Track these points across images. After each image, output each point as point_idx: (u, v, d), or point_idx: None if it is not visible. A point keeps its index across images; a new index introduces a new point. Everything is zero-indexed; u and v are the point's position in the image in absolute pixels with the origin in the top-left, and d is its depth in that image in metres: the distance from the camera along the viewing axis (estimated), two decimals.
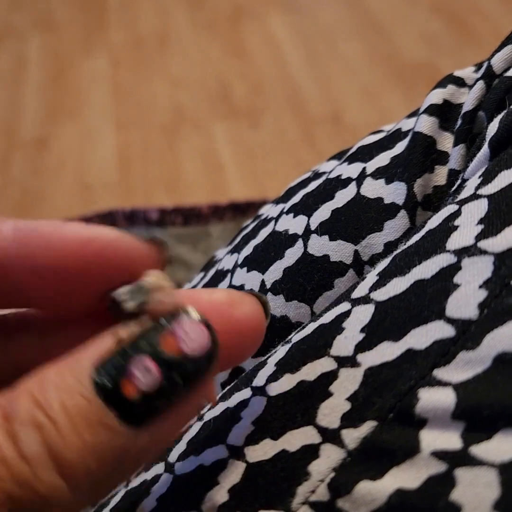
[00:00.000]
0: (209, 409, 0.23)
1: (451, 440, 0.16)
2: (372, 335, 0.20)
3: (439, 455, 0.16)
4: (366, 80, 1.32)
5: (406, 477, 0.16)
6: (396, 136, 0.29)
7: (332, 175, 0.29)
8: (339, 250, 0.27)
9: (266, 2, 1.58)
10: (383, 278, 0.21)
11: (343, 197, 0.28)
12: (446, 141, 0.27)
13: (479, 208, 0.20)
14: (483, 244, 0.19)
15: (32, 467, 0.13)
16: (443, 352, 0.18)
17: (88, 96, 1.38)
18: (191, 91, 1.35)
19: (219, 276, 0.32)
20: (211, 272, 0.33)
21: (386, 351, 0.19)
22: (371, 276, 0.22)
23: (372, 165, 0.28)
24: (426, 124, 0.27)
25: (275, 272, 0.28)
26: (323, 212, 0.28)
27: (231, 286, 0.30)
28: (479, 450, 0.16)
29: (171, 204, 1.04)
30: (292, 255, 0.28)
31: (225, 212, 0.98)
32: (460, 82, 0.28)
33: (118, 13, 1.62)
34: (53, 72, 1.45)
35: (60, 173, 1.20)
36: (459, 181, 0.25)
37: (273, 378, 0.22)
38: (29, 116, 1.33)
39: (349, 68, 1.36)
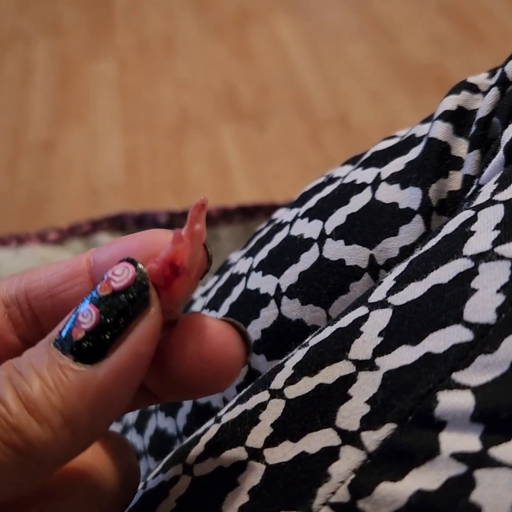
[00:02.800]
0: (227, 412, 0.24)
1: (470, 442, 0.17)
2: (390, 339, 0.20)
3: (459, 457, 0.17)
4: (373, 82, 1.32)
5: (426, 478, 0.17)
6: (410, 141, 0.29)
7: (346, 180, 0.30)
8: (355, 254, 0.27)
9: (272, 4, 1.59)
10: (400, 283, 0.22)
11: (358, 202, 0.28)
12: (460, 147, 0.27)
13: (495, 213, 0.21)
14: (500, 249, 0.19)
15: (9, 412, 0.15)
16: (461, 355, 0.18)
17: (95, 99, 1.38)
18: (198, 94, 1.35)
19: (234, 280, 0.32)
20: (226, 275, 0.34)
21: (405, 355, 0.19)
22: (388, 281, 0.23)
23: (387, 171, 0.28)
24: (440, 130, 0.27)
25: (290, 276, 0.28)
26: (339, 217, 0.28)
27: (246, 289, 0.30)
28: (498, 452, 0.16)
29: (178, 206, 1.05)
30: (307, 259, 0.28)
31: (234, 215, 0.98)
32: (474, 89, 0.28)
33: (124, 17, 1.63)
34: (60, 75, 1.46)
35: (67, 176, 1.20)
36: (474, 187, 0.25)
37: (291, 381, 0.22)
38: (36, 119, 1.34)
39: (356, 70, 1.36)
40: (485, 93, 0.27)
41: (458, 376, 0.18)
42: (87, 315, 0.16)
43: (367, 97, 1.29)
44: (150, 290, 0.17)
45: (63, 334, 0.17)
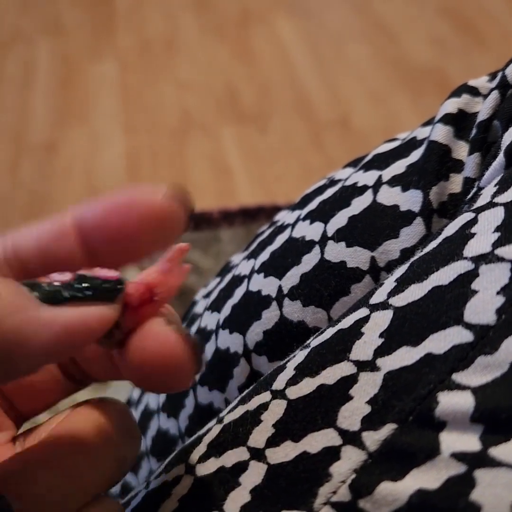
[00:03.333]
0: (229, 412, 0.24)
1: (470, 442, 0.17)
2: (391, 340, 0.20)
3: (459, 456, 0.17)
4: (373, 84, 1.32)
5: (426, 478, 0.17)
6: (411, 144, 0.29)
7: (348, 183, 0.30)
8: (356, 257, 0.27)
9: (273, 6, 1.59)
10: (401, 284, 0.22)
11: (359, 204, 0.28)
12: (461, 150, 0.27)
13: (496, 216, 0.21)
14: (500, 251, 0.20)
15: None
16: (461, 356, 0.18)
17: (96, 100, 1.38)
18: (199, 95, 1.35)
19: (236, 281, 0.32)
20: (228, 277, 0.34)
21: (405, 356, 0.19)
22: (389, 282, 0.23)
23: (388, 173, 0.28)
24: (441, 133, 0.27)
25: (292, 277, 0.29)
26: (340, 219, 0.28)
27: (248, 291, 0.31)
28: (497, 451, 0.16)
29: None
30: (309, 261, 0.28)
31: (235, 217, 0.99)
32: (474, 92, 0.28)
33: (126, 18, 1.63)
34: (61, 76, 1.46)
35: (68, 177, 1.20)
36: (474, 189, 0.25)
37: (292, 381, 0.22)
38: (38, 120, 1.34)
39: (357, 72, 1.36)
40: (485, 96, 0.28)
41: (458, 377, 0.18)
42: (61, 275, 0.18)
43: (368, 99, 1.29)
44: (121, 294, 0.18)
45: (33, 282, 0.17)
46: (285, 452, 0.20)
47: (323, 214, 0.29)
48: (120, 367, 0.20)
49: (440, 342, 0.19)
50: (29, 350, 0.16)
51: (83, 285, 0.18)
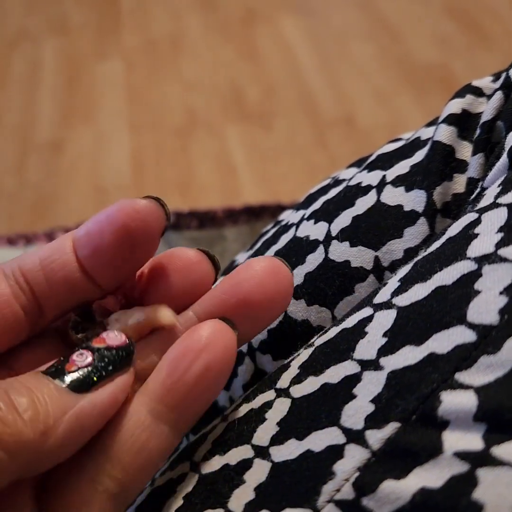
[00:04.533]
0: (233, 410, 0.24)
1: (473, 441, 0.17)
2: (395, 340, 0.20)
3: (461, 455, 0.17)
4: (378, 82, 1.32)
5: (429, 476, 0.17)
6: (415, 144, 0.29)
7: (352, 183, 0.30)
8: (360, 256, 0.27)
9: (278, 5, 1.59)
10: (405, 284, 0.22)
11: (363, 204, 0.28)
12: (465, 150, 0.27)
13: (499, 216, 0.21)
14: (503, 251, 0.20)
15: (1, 409, 0.17)
16: (464, 356, 0.18)
17: (101, 99, 1.38)
18: (204, 94, 1.36)
19: None
20: None
21: (409, 355, 0.19)
22: (393, 282, 0.23)
23: (392, 173, 0.28)
24: (445, 133, 0.27)
25: (296, 277, 0.29)
26: (344, 219, 0.28)
27: None
28: (500, 450, 0.16)
29: (184, 206, 1.05)
30: (313, 260, 0.28)
31: (240, 215, 0.99)
32: (478, 92, 0.28)
33: (131, 17, 1.63)
34: (67, 75, 1.47)
35: (74, 176, 1.20)
36: (478, 190, 0.25)
37: (296, 380, 0.22)
38: (44, 119, 1.35)
39: (361, 71, 1.36)
40: (489, 96, 0.28)
41: (461, 376, 0.18)
42: (81, 356, 0.20)
43: (372, 97, 1.29)
44: (134, 356, 0.21)
45: (54, 368, 0.19)
46: (289, 450, 0.20)
47: (327, 213, 0.29)
48: None
49: (443, 341, 0.19)
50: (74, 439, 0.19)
51: (104, 362, 0.20)
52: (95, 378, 0.19)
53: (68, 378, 0.19)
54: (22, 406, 0.18)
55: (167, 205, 0.22)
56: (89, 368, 0.19)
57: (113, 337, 0.21)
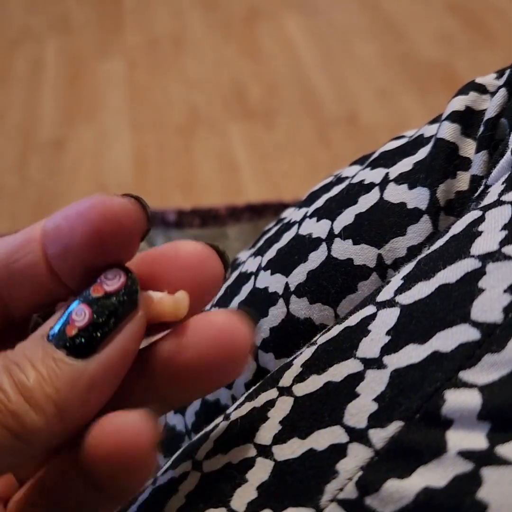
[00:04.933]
0: (236, 409, 0.24)
1: (477, 440, 0.17)
2: (398, 338, 0.20)
3: (465, 454, 0.17)
4: (381, 81, 1.32)
5: (433, 476, 0.17)
6: (418, 142, 0.29)
7: (355, 180, 0.30)
8: (363, 254, 0.27)
9: (280, 3, 1.59)
10: (408, 282, 0.22)
11: (366, 202, 0.28)
12: (468, 148, 0.27)
13: (503, 214, 0.21)
14: (507, 249, 0.20)
15: (7, 398, 0.17)
16: (468, 354, 0.18)
17: (104, 98, 1.38)
18: (206, 93, 1.36)
19: (243, 279, 0.32)
20: (235, 274, 0.34)
21: (412, 354, 0.19)
22: (396, 280, 0.23)
23: (395, 171, 0.28)
24: (448, 131, 0.27)
25: (299, 275, 0.29)
26: (347, 217, 0.28)
27: (255, 288, 0.31)
28: (504, 450, 0.16)
29: (187, 205, 1.05)
30: (316, 258, 0.28)
31: (242, 213, 0.99)
32: (482, 89, 0.28)
33: (133, 15, 1.63)
34: (69, 74, 1.47)
35: (76, 175, 1.21)
36: (482, 187, 0.25)
37: (299, 379, 0.22)
38: (46, 118, 1.35)
39: (364, 69, 1.36)
40: (493, 93, 0.28)
41: (465, 375, 0.18)
42: (80, 313, 0.18)
43: (375, 96, 1.29)
44: (139, 294, 0.18)
45: (56, 330, 0.18)
46: (292, 449, 0.20)
47: (329, 211, 0.29)
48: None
49: (447, 340, 0.19)
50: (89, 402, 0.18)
51: (106, 314, 0.18)
52: (99, 335, 0.18)
53: (71, 344, 0.17)
54: (28, 391, 0.17)
55: (148, 205, 0.19)
56: (90, 328, 0.18)
57: (111, 280, 0.18)
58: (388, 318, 0.21)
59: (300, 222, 0.31)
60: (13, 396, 0.17)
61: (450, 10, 1.48)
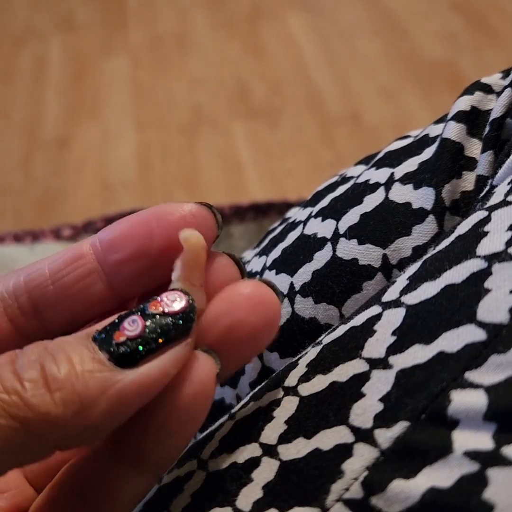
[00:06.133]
0: (241, 409, 0.24)
1: (483, 440, 0.17)
2: (404, 338, 0.20)
3: (471, 455, 0.17)
4: (384, 80, 1.32)
5: (439, 476, 0.17)
6: (424, 141, 0.29)
7: (360, 180, 0.30)
8: (368, 254, 0.27)
9: (284, 2, 1.59)
10: (414, 282, 0.22)
11: (371, 201, 0.28)
12: (474, 147, 0.27)
13: (509, 214, 0.21)
14: None
15: (26, 390, 0.16)
16: (474, 355, 0.18)
17: (108, 96, 1.39)
18: (210, 91, 1.36)
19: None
20: None
21: (418, 354, 0.19)
22: (401, 280, 0.23)
23: (400, 171, 0.28)
24: (454, 131, 0.27)
25: (304, 274, 0.29)
26: (352, 216, 0.28)
27: None
28: (510, 450, 0.16)
29: None
30: (321, 258, 0.28)
31: (246, 212, 0.99)
32: (487, 89, 0.28)
33: (137, 14, 1.63)
34: (73, 72, 1.47)
35: (80, 173, 1.21)
36: (487, 187, 0.25)
37: (305, 378, 0.22)
38: (50, 116, 1.35)
39: (368, 68, 1.36)
40: (498, 93, 0.27)
41: (471, 375, 0.18)
42: (133, 324, 0.18)
43: (378, 94, 1.28)
44: (194, 323, 0.18)
45: (104, 332, 0.18)
46: (297, 448, 0.20)
47: (335, 211, 0.29)
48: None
49: (453, 340, 0.19)
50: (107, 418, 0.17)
51: (157, 333, 0.18)
52: (144, 352, 0.17)
53: (115, 350, 0.17)
54: (55, 383, 0.16)
55: (218, 212, 0.20)
56: (139, 340, 0.17)
57: (172, 301, 0.18)
58: (393, 318, 0.21)
59: (305, 222, 0.31)
60: (32, 388, 0.16)
61: (454, 9, 1.48)
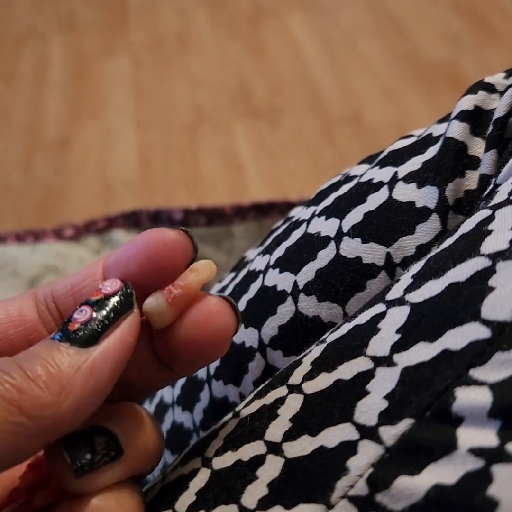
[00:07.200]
0: (245, 406, 0.24)
1: (487, 437, 0.17)
2: (408, 336, 0.20)
3: (476, 452, 0.17)
4: (386, 80, 1.32)
5: (443, 472, 0.17)
6: (427, 141, 0.29)
7: (363, 179, 0.30)
8: (372, 252, 0.27)
9: (285, 2, 1.59)
10: (418, 281, 0.22)
11: (375, 200, 0.28)
12: (477, 146, 0.27)
13: None
14: None
15: (13, 378, 0.18)
16: (479, 352, 0.18)
17: (109, 96, 1.39)
18: (211, 91, 1.36)
19: (251, 277, 0.32)
20: (243, 272, 0.34)
21: (422, 352, 0.19)
22: (405, 278, 0.23)
23: (403, 169, 0.28)
24: (457, 130, 0.27)
25: (307, 273, 0.29)
26: (355, 215, 0.28)
27: (263, 286, 0.31)
28: None
29: (191, 203, 1.05)
30: (324, 256, 0.28)
31: (248, 212, 0.99)
32: (490, 89, 0.28)
33: (138, 14, 1.64)
34: (75, 72, 1.47)
35: (81, 173, 1.21)
36: (491, 186, 0.25)
37: (309, 376, 0.22)
38: (51, 116, 1.35)
39: (369, 68, 1.36)
40: (502, 93, 0.28)
41: (476, 373, 0.18)
42: (82, 312, 0.20)
43: (380, 95, 1.29)
44: (133, 296, 0.21)
45: (60, 331, 0.20)
46: (302, 446, 0.20)
47: (338, 210, 0.29)
48: (169, 358, 0.22)
49: (457, 338, 0.19)
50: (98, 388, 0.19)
51: (105, 311, 0.20)
52: (98, 329, 0.20)
53: (74, 337, 0.19)
54: (35, 373, 0.18)
55: (195, 237, 0.22)
56: (91, 322, 0.20)
57: (108, 285, 0.21)
58: (398, 316, 0.21)
59: (308, 221, 0.31)
60: (19, 377, 0.18)
61: (456, 9, 1.48)
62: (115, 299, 0.21)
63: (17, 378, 0.18)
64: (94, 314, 0.20)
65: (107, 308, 0.20)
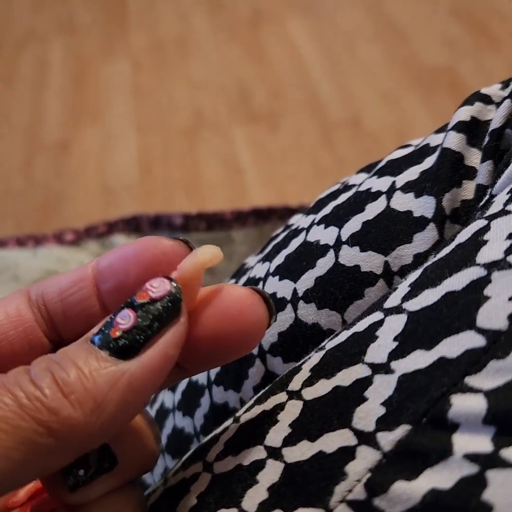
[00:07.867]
0: (245, 412, 0.24)
1: (482, 443, 0.17)
2: (405, 344, 0.21)
3: (471, 457, 0.17)
4: (385, 84, 1.32)
5: (439, 478, 0.17)
6: (424, 151, 0.29)
7: (362, 188, 0.30)
8: (370, 261, 0.28)
9: (285, 5, 1.59)
10: (415, 289, 0.22)
11: (373, 209, 0.29)
12: (473, 157, 0.27)
13: (508, 223, 0.21)
14: None
15: (44, 395, 0.17)
16: (474, 360, 0.19)
17: (109, 100, 1.39)
18: (211, 95, 1.36)
19: (251, 284, 0.33)
20: (243, 279, 0.34)
21: (419, 359, 0.20)
22: (403, 287, 0.23)
23: (401, 179, 0.29)
24: (454, 140, 0.28)
25: (307, 281, 0.29)
26: (354, 224, 0.29)
27: None
28: (509, 453, 0.17)
29: (191, 207, 1.05)
30: (323, 264, 0.29)
31: (248, 217, 0.99)
32: (487, 100, 0.29)
33: (138, 17, 1.64)
34: (75, 75, 1.47)
35: (81, 176, 1.21)
36: (487, 197, 0.25)
37: (308, 383, 0.23)
38: (51, 119, 1.35)
39: (368, 72, 1.36)
40: (498, 104, 0.28)
41: (471, 380, 0.18)
42: (125, 317, 0.19)
43: (379, 99, 1.29)
44: (182, 302, 0.19)
45: (100, 333, 0.19)
46: (302, 451, 0.21)
47: (337, 218, 0.30)
48: (188, 357, 0.21)
49: (453, 346, 0.19)
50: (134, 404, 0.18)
51: (150, 319, 0.19)
52: (141, 339, 0.18)
53: (114, 345, 0.18)
54: (68, 386, 0.17)
55: (193, 245, 0.21)
56: (134, 330, 0.18)
57: (156, 287, 0.19)
58: (395, 324, 0.22)
59: (308, 229, 0.31)
60: (51, 394, 0.17)
61: (455, 14, 1.48)
62: (162, 304, 0.19)
63: (48, 395, 0.17)
64: (139, 320, 0.18)
65: (152, 315, 0.19)
